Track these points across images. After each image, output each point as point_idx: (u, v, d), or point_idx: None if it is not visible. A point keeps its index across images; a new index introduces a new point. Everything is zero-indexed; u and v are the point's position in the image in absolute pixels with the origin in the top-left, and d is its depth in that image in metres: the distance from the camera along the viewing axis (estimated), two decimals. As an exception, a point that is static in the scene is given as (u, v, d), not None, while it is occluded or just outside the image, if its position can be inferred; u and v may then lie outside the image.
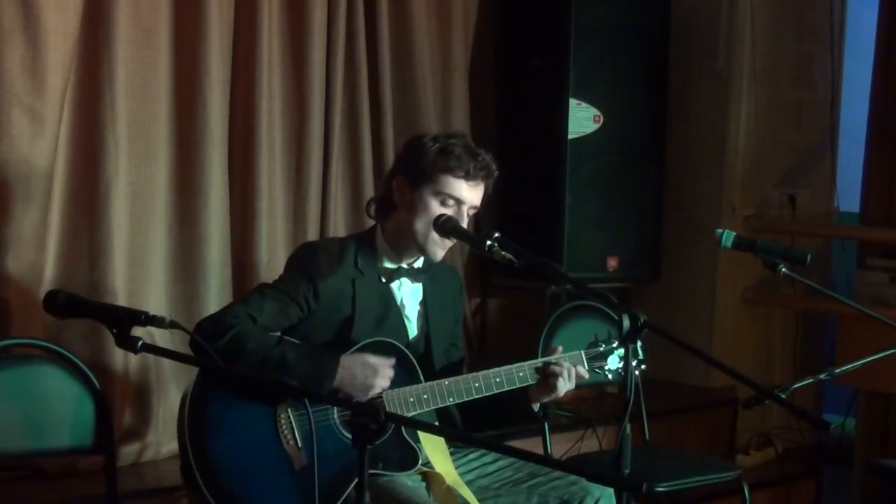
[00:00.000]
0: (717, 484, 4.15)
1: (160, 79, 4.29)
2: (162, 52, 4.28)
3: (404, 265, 3.35)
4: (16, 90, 3.90)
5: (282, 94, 4.64)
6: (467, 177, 3.26)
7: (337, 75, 4.76)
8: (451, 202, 3.26)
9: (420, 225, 3.27)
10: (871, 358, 3.39)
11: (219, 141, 4.41)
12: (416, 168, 3.28)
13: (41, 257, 4.02)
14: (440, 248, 3.29)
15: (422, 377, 3.25)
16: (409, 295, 3.38)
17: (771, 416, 5.53)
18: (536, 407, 3.34)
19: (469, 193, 3.28)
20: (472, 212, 3.31)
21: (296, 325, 3.26)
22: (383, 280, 3.33)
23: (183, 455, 3.10)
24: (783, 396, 2.99)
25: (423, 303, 3.39)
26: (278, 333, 3.22)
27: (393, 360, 3.20)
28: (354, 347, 3.23)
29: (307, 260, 3.29)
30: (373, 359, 3.18)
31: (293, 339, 3.20)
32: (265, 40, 4.50)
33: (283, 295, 3.24)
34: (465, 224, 3.28)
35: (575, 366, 3.27)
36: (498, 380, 3.24)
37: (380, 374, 3.16)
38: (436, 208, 3.26)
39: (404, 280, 3.35)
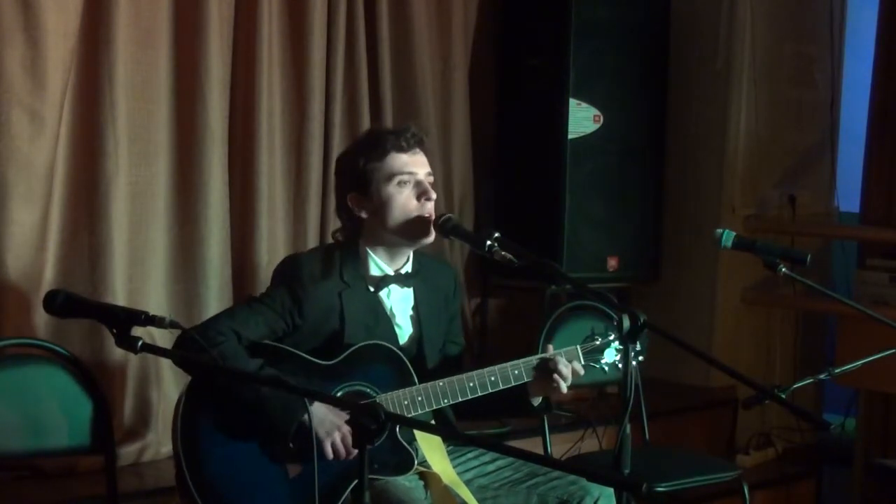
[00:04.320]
0: (717, 484, 4.16)
1: (160, 79, 4.29)
2: (162, 52, 4.28)
3: (391, 272, 3.31)
4: (16, 90, 3.91)
5: (282, 94, 4.64)
6: (402, 149, 3.25)
7: (337, 75, 4.76)
8: (406, 178, 3.24)
9: (394, 216, 3.23)
10: (871, 358, 3.39)
11: (219, 141, 4.41)
12: (357, 174, 3.26)
13: (41, 257, 4.02)
14: (427, 225, 3.24)
15: (416, 380, 3.22)
16: (398, 301, 3.33)
17: (771, 416, 5.53)
18: (537, 401, 3.32)
19: (414, 163, 3.26)
20: (430, 179, 3.28)
21: (282, 338, 3.22)
22: (371, 289, 3.29)
23: (176, 462, 3.09)
24: (783, 396, 2.99)
25: (415, 307, 3.35)
26: (261, 359, 3.15)
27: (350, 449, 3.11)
28: (349, 350, 3.20)
29: (291, 275, 3.24)
30: (341, 423, 3.10)
31: (272, 370, 3.12)
32: (265, 40, 4.50)
33: (269, 310, 3.20)
34: (433, 193, 3.25)
35: (571, 362, 3.26)
36: (493, 378, 3.22)
37: (344, 435, 3.09)
38: (397, 193, 3.23)
39: (393, 287, 3.31)
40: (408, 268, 3.34)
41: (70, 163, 4.12)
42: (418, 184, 3.25)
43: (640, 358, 3.25)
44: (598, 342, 3.31)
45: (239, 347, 3.13)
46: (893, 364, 3.47)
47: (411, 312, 3.35)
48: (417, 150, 3.28)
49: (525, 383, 3.26)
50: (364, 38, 4.87)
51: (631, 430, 2.84)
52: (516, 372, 3.25)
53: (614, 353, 3.30)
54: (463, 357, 3.49)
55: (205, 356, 3.02)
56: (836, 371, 3.34)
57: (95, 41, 4.11)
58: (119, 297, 4.12)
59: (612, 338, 3.29)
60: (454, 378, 3.22)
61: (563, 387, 3.23)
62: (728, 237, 3.43)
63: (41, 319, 3.93)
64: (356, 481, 2.99)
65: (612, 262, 5.31)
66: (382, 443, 3.05)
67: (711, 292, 5.66)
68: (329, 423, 3.09)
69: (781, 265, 3.35)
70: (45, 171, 4.00)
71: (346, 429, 3.09)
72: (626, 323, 2.82)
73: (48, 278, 4.04)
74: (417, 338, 3.35)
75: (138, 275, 4.26)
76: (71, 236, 4.13)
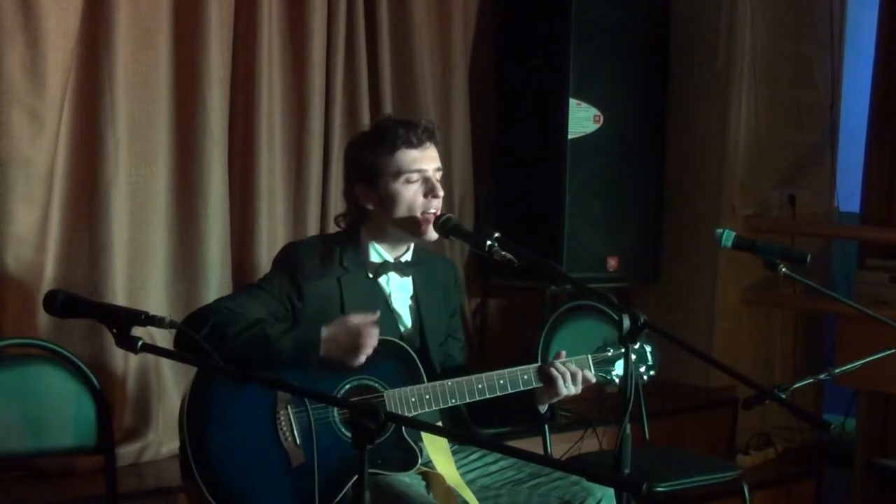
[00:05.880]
0: (717, 484, 4.15)
1: (160, 79, 4.29)
2: (162, 52, 4.28)
3: (391, 259, 3.33)
4: (16, 90, 3.91)
5: (282, 94, 4.64)
6: (412, 145, 3.25)
7: (337, 75, 4.76)
8: (414, 176, 3.25)
9: (400, 213, 3.25)
10: (871, 358, 3.39)
11: (219, 141, 4.41)
12: (365, 167, 3.27)
13: (41, 257, 4.02)
14: (428, 225, 3.25)
15: (424, 377, 3.24)
16: (397, 289, 3.35)
17: (771, 416, 5.53)
18: (543, 408, 3.32)
19: (423, 159, 3.26)
20: (438, 175, 3.29)
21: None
22: (370, 275, 3.31)
23: (182, 451, 3.11)
24: (783, 396, 2.99)
25: (415, 297, 3.37)
26: (257, 317, 3.16)
27: (376, 315, 3.14)
28: None
29: (291, 261, 3.26)
30: (355, 319, 3.13)
31: (271, 318, 3.16)
32: (265, 40, 4.51)
33: (267, 294, 3.22)
34: (441, 190, 3.26)
35: (582, 370, 3.25)
36: (501, 382, 3.22)
37: (363, 333, 3.11)
38: (404, 190, 3.24)
39: (392, 274, 3.33)
40: (407, 257, 3.36)
41: (70, 163, 4.12)
42: (426, 180, 3.26)
43: (652, 373, 3.27)
44: (609, 353, 3.30)
45: (233, 314, 3.12)
46: (893, 364, 3.48)
47: (410, 302, 3.37)
48: (428, 143, 3.28)
49: (532, 390, 3.26)
50: (364, 38, 4.87)
51: (631, 430, 2.84)
52: (525, 377, 3.24)
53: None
54: (466, 358, 3.50)
55: (202, 333, 3.03)
56: (836, 371, 3.35)
57: (95, 41, 4.11)
58: (119, 297, 4.12)
59: (622, 351, 3.28)
60: (462, 378, 3.22)
61: (562, 392, 3.23)
62: (728, 237, 3.43)
63: (41, 319, 3.93)
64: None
65: (612, 262, 5.31)
66: (388, 438, 3.07)
67: (711, 292, 5.66)
68: (354, 333, 3.10)
69: (781, 265, 3.35)
70: (45, 171, 4.00)
71: (368, 328, 3.10)
72: (627, 323, 2.82)
73: (48, 278, 4.04)
74: (419, 328, 3.36)
75: (138, 275, 4.26)
76: (71, 236, 4.13)
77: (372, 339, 3.13)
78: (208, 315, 3.13)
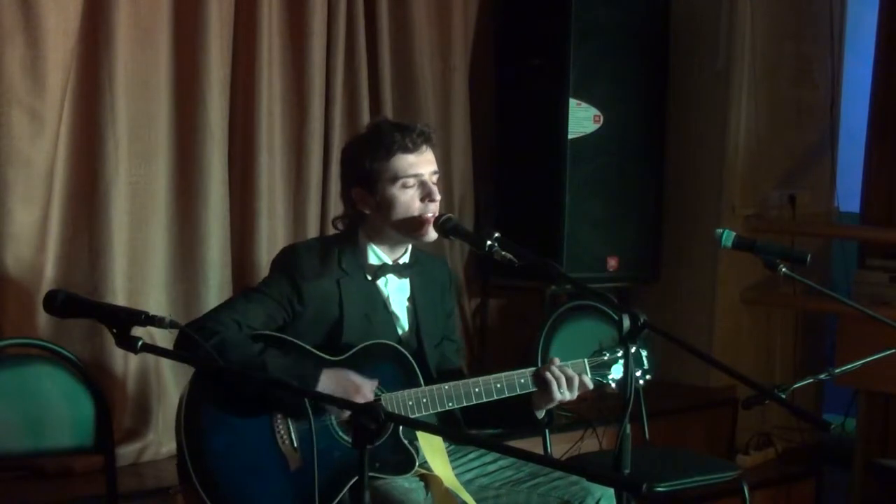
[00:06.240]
0: (717, 484, 4.16)
1: (160, 79, 4.29)
2: (162, 52, 4.28)
3: (389, 262, 3.32)
4: (16, 90, 3.91)
5: (282, 94, 4.64)
6: (409, 150, 3.23)
7: (337, 75, 4.76)
8: (410, 181, 3.23)
9: (397, 217, 3.24)
10: (871, 358, 3.40)
11: (219, 141, 4.41)
12: (362, 171, 3.25)
13: (41, 257, 4.02)
14: (428, 226, 3.25)
15: (421, 380, 3.23)
16: (395, 291, 3.34)
17: (771, 416, 5.53)
18: (541, 414, 3.31)
19: (421, 164, 3.25)
20: (435, 178, 3.28)
21: (282, 327, 3.22)
22: (369, 278, 3.30)
23: (179, 453, 3.10)
24: (783, 396, 2.99)
25: (412, 299, 3.36)
26: (262, 343, 3.15)
27: (376, 382, 3.14)
28: (352, 350, 3.21)
29: (290, 263, 3.26)
30: (357, 378, 3.12)
31: (275, 350, 3.13)
32: (265, 40, 4.51)
33: (268, 298, 3.21)
34: (438, 194, 3.25)
35: (579, 374, 3.24)
36: (498, 385, 3.22)
37: (361, 392, 3.10)
38: (401, 194, 3.23)
39: (390, 276, 3.32)
40: (405, 258, 3.35)
41: (70, 163, 4.12)
42: (423, 185, 3.25)
43: (648, 376, 3.26)
44: (605, 357, 3.30)
45: (239, 335, 3.13)
46: (893, 364, 3.48)
47: (408, 304, 3.36)
48: (424, 147, 3.27)
49: (530, 394, 3.25)
50: (364, 38, 4.87)
51: (631, 430, 2.84)
52: (522, 380, 3.24)
53: (622, 369, 3.27)
54: (461, 360, 3.49)
55: (202, 351, 3.00)
56: (836, 371, 3.35)
57: (95, 41, 4.11)
58: (119, 297, 4.12)
59: (619, 354, 3.27)
60: (460, 382, 3.22)
61: (557, 397, 3.21)
62: (728, 237, 3.43)
63: (41, 319, 3.93)
64: (356, 478, 3.02)
65: (612, 262, 5.31)
66: (384, 441, 3.07)
67: (711, 292, 5.66)
68: (351, 389, 3.08)
69: (781, 265, 3.35)
70: (45, 171, 4.00)
71: (367, 390, 3.09)
72: (627, 323, 2.82)
73: (48, 278, 4.04)
74: (416, 329, 3.35)
75: (138, 275, 4.26)
76: (71, 236, 4.13)
77: (367, 399, 3.10)
78: (214, 330, 3.11)
